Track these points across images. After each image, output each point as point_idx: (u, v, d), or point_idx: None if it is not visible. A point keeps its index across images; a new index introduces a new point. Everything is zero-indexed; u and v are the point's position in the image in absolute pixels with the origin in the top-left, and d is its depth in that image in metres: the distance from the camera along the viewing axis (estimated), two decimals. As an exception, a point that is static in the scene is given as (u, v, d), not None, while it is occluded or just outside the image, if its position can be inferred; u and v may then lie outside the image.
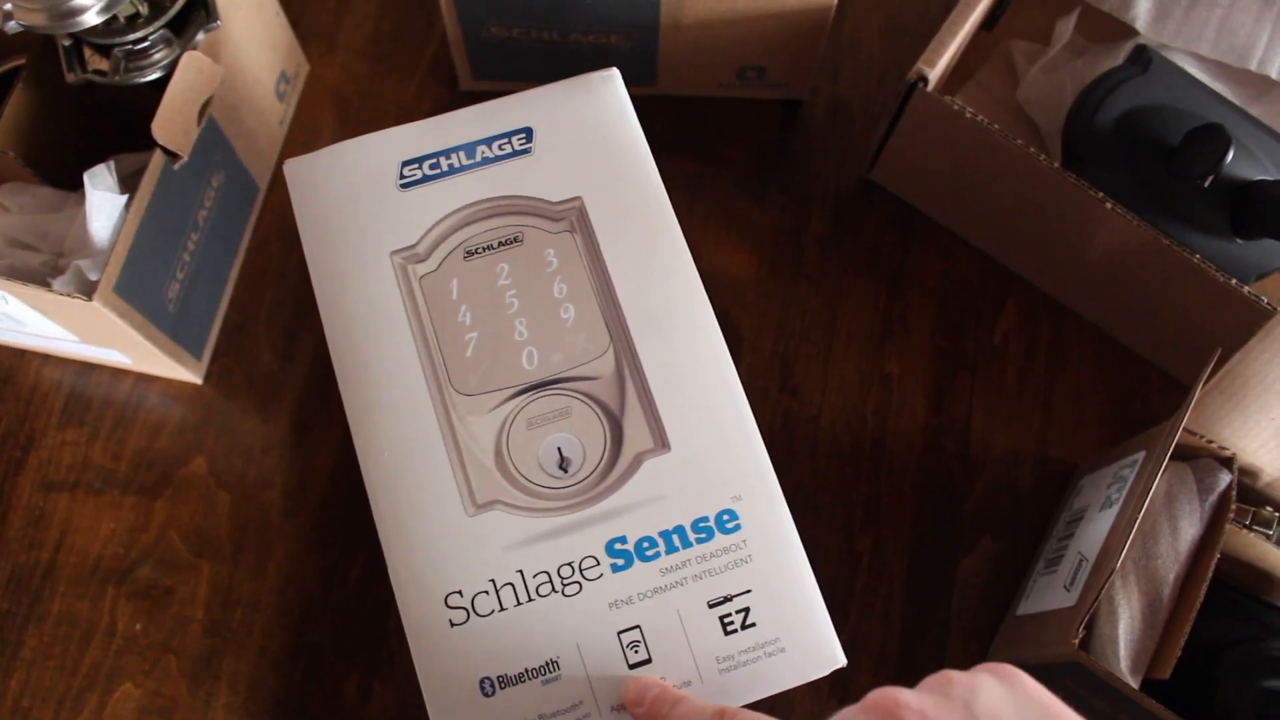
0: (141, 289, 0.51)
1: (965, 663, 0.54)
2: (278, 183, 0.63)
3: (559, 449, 0.42)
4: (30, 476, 0.58)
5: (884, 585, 0.56)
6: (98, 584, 0.56)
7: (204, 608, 0.55)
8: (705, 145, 0.64)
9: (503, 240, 0.45)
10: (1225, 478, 0.50)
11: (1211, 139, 0.52)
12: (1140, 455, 0.51)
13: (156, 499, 0.57)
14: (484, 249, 0.45)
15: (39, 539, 0.56)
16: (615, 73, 0.48)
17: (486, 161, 0.46)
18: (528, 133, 0.47)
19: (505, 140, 0.47)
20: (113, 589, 0.55)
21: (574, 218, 0.45)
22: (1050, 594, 0.52)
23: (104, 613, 0.55)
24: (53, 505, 0.57)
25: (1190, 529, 0.49)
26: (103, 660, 0.54)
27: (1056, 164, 0.52)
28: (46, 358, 0.60)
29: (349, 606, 0.55)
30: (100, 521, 0.57)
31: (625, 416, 0.42)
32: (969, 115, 0.52)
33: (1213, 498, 0.50)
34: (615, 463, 0.42)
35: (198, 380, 0.59)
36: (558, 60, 0.61)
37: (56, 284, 0.49)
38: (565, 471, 0.42)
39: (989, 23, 0.62)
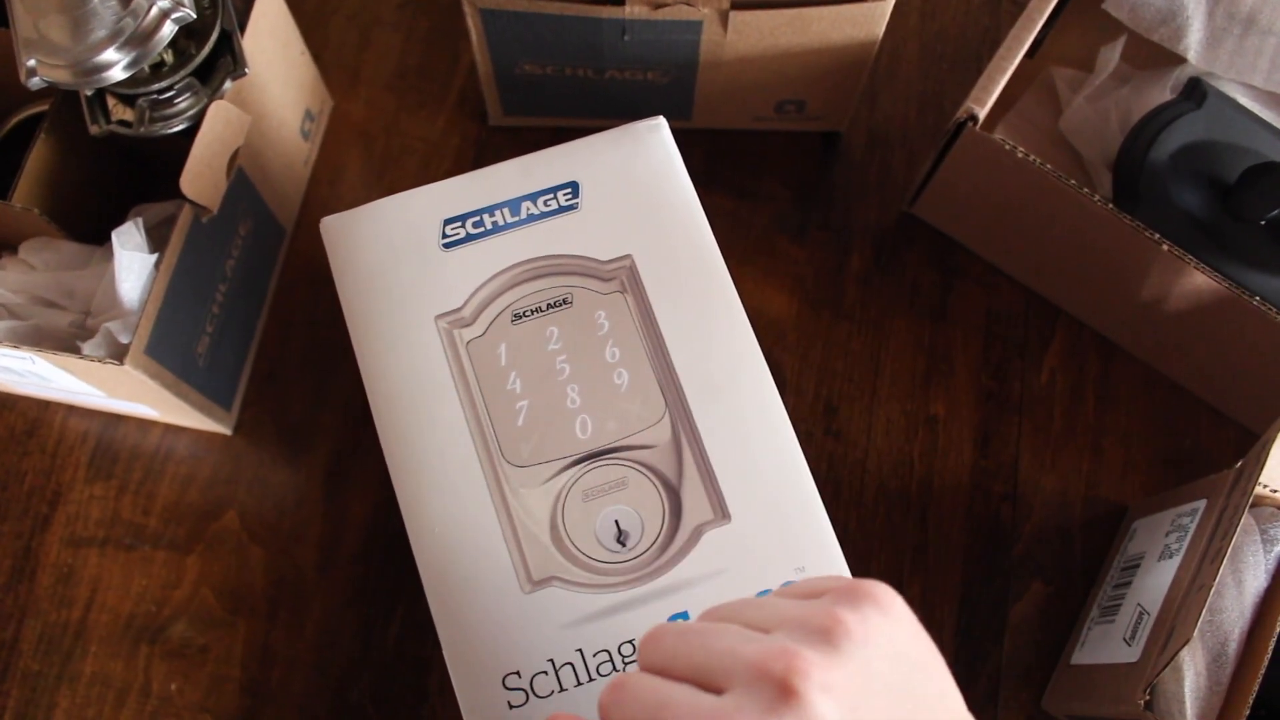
0: (172, 348, 0.50)
1: (1018, 714, 0.54)
2: (303, 225, 0.62)
3: (616, 522, 0.41)
4: (58, 532, 0.56)
5: (934, 631, 0.55)
6: (130, 643, 0.54)
7: (240, 666, 0.54)
8: (741, 180, 0.63)
9: (551, 302, 0.44)
10: (1290, 528, 0.48)
11: (1272, 177, 0.50)
12: (1200, 504, 0.50)
13: (188, 554, 0.56)
14: (532, 312, 0.43)
15: (69, 597, 0.55)
16: (662, 122, 0.46)
17: (532, 219, 0.45)
18: (574, 187, 0.45)
19: (550, 195, 0.45)
20: (146, 648, 0.54)
21: (624, 277, 0.44)
22: (1108, 645, 0.50)
23: (138, 672, 0.54)
24: (82, 562, 0.56)
25: (1255, 582, 0.48)
26: (138, 722, 0.53)
27: (1109, 202, 0.50)
28: (71, 409, 0.58)
29: (388, 663, 0.54)
30: (131, 578, 0.55)
31: (684, 487, 0.41)
32: (1020, 155, 0.51)
33: (1277, 549, 0.48)
34: (675, 535, 0.41)
35: (227, 431, 0.57)
36: (591, 96, 0.59)
37: (86, 348, 0.47)
38: (623, 545, 0.41)
39: (1031, 50, 0.61)
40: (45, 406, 0.58)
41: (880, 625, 0.29)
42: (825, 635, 0.28)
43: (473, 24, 0.54)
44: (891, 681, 0.28)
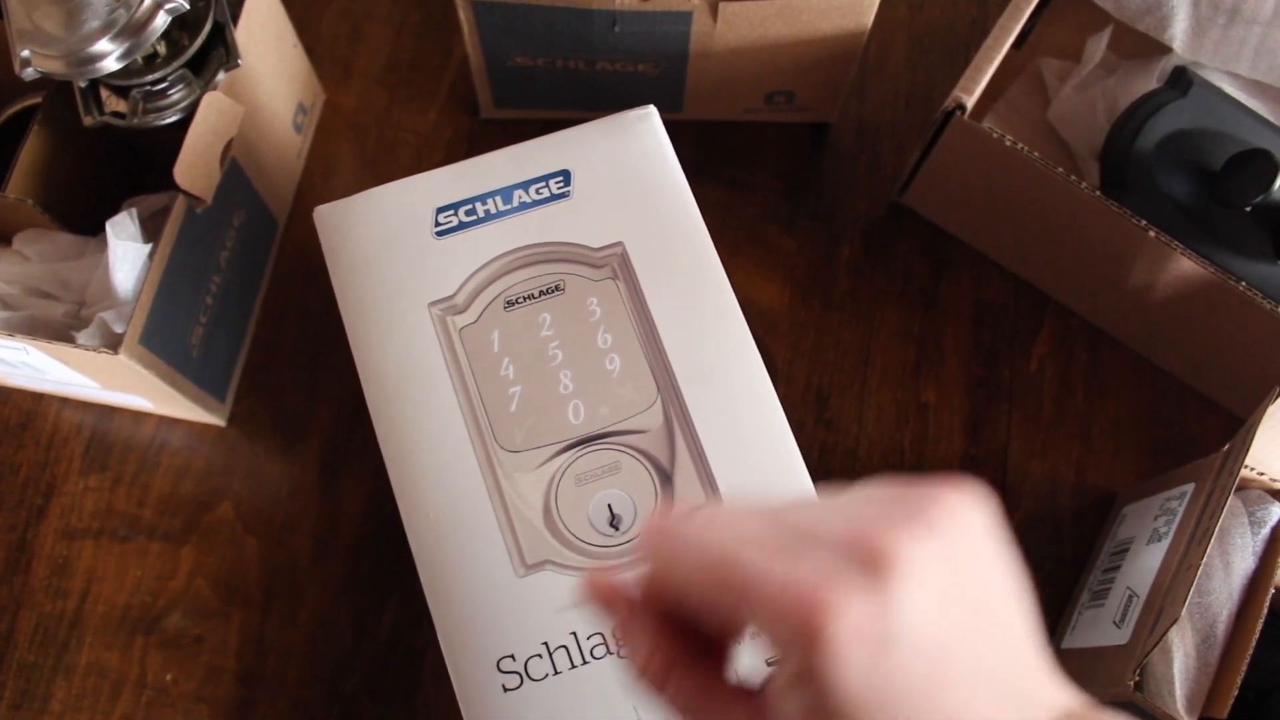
0: (166, 338, 0.50)
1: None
2: (296, 217, 0.62)
3: (609, 506, 0.41)
4: (53, 524, 0.56)
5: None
6: (126, 633, 0.54)
7: (235, 656, 0.54)
8: (732, 171, 0.63)
9: (544, 289, 0.44)
10: (1278, 511, 0.49)
11: (1257, 164, 0.51)
12: (1188, 487, 0.50)
13: (183, 545, 0.56)
14: (525, 299, 0.44)
15: (64, 588, 0.55)
16: (652, 110, 0.47)
17: (524, 206, 0.45)
18: (565, 175, 0.46)
19: (542, 184, 0.45)
20: (141, 638, 0.54)
21: (616, 264, 0.44)
22: (1098, 629, 0.51)
23: (133, 663, 0.54)
24: (77, 553, 0.56)
25: (1243, 564, 0.48)
26: (134, 712, 0.53)
27: (1095, 189, 0.51)
28: (66, 401, 0.58)
29: (382, 652, 0.54)
30: (126, 569, 0.56)
31: (676, 471, 0.42)
32: (1008, 143, 0.51)
33: (1265, 531, 0.49)
34: (667, 519, 0.41)
35: (221, 423, 0.58)
36: (582, 88, 0.59)
37: (80, 337, 0.48)
38: (616, 529, 0.41)
39: (1018, 40, 0.61)
40: (39, 399, 0.59)
41: (974, 517, 0.25)
42: (915, 514, 0.25)
43: (464, 16, 0.54)
44: (975, 585, 0.25)
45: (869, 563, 0.23)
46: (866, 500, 0.25)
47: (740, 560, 0.24)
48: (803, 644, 0.23)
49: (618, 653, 0.40)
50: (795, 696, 0.24)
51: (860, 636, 0.23)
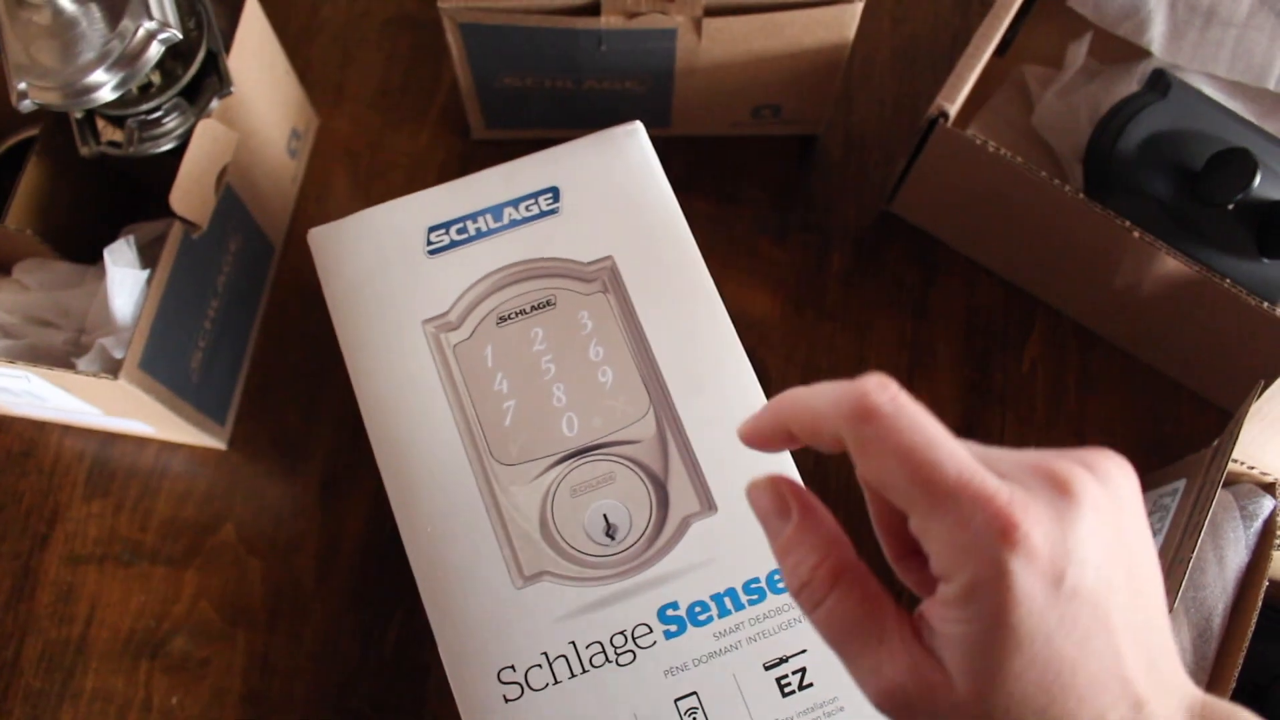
0: (166, 362, 0.51)
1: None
2: (292, 241, 0.63)
3: (605, 515, 0.42)
4: (57, 550, 0.57)
5: (925, 622, 0.56)
6: (131, 658, 0.55)
7: (241, 678, 0.54)
8: (721, 185, 0.64)
9: (535, 304, 0.44)
10: (1269, 504, 0.49)
11: (1237, 163, 0.51)
12: (1180, 483, 0.51)
13: (186, 569, 0.56)
14: (517, 314, 0.44)
15: (69, 614, 0.56)
16: (639, 126, 0.48)
17: (514, 224, 0.46)
18: (554, 192, 0.46)
19: (532, 201, 0.46)
20: (147, 662, 0.55)
21: (606, 278, 0.45)
22: (1096, 627, 0.51)
23: (139, 687, 0.54)
24: (81, 579, 0.56)
25: (1236, 557, 0.49)
26: (140, 736, 0.54)
27: (1080, 192, 0.52)
28: (67, 429, 0.59)
29: (387, 670, 0.54)
30: (130, 594, 0.56)
31: (669, 479, 0.42)
32: (991, 149, 0.52)
33: (1257, 525, 0.49)
34: (662, 527, 0.42)
35: (222, 445, 0.58)
36: (572, 107, 0.60)
37: (81, 364, 0.48)
38: (612, 538, 0.42)
39: (1001, 48, 0.62)
40: (41, 427, 0.59)
41: (1133, 491, 0.27)
42: (1091, 466, 0.26)
43: (453, 39, 0.55)
44: (1128, 544, 0.26)
45: (1056, 487, 0.25)
46: (1035, 451, 0.27)
47: (945, 461, 0.25)
48: (992, 549, 0.24)
49: (616, 661, 0.40)
50: (964, 613, 0.25)
51: (1045, 553, 0.24)
